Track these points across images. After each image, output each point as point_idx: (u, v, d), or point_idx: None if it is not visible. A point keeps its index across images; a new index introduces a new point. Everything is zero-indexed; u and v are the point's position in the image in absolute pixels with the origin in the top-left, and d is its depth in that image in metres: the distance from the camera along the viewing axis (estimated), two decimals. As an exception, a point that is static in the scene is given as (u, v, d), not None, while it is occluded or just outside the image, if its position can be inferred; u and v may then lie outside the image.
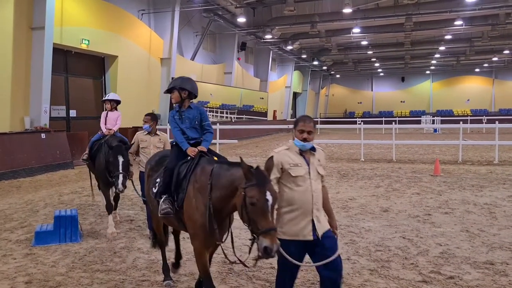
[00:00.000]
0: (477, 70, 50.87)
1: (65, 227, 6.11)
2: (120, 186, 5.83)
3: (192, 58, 25.72)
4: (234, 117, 30.97)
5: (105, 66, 19.08)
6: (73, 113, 17.59)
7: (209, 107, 27.41)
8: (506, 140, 18.11)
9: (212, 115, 27.69)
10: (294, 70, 43.81)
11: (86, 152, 7.28)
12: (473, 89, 52.38)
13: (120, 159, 5.96)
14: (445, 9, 24.71)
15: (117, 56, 18.76)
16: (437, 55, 41.82)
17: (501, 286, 4.39)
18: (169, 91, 4.46)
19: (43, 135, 13.83)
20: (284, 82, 42.69)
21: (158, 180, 4.11)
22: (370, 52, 39.93)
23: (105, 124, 7.41)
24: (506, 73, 50.57)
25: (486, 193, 9.25)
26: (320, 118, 49.17)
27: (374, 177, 11.80)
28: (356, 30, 29.32)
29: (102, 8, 17.71)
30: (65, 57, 17.05)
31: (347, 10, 23.58)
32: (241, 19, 25.43)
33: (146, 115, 6.41)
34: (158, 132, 6.39)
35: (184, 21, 23.59)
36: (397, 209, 7.86)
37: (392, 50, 38.80)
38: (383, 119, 36.23)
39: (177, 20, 21.85)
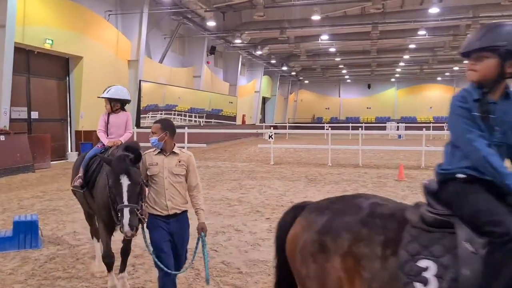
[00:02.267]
0: (439, 78, 52.67)
1: (25, 233, 5.89)
2: (126, 227, 3.54)
3: (161, 61, 25.43)
4: (202, 121, 30.79)
5: (70, 67, 18.57)
6: (35, 114, 17.00)
7: (177, 111, 27.16)
8: (466, 147, 18.78)
9: (180, 119, 27.44)
10: (263, 75, 44.05)
11: (80, 175, 4.76)
12: (435, 97, 54.18)
13: (124, 182, 3.66)
14: (410, 19, 25.49)
15: (82, 57, 18.31)
16: (401, 64, 43.02)
17: None
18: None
19: (2, 137, 13.31)
20: (253, 86, 42.85)
21: None
22: (338, 59, 40.65)
23: (106, 134, 5.19)
24: (466, 82, 52.07)
25: (447, 198, 9.53)
26: (288, 123, 49.61)
27: (341, 181, 11.98)
28: (324, 37, 29.81)
29: (67, 8, 17.26)
30: (27, 57, 16.47)
31: (316, 17, 23.94)
32: (211, 23, 25.37)
33: (155, 122, 3.97)
34: (177, 149, 3.89)
35: (152, 23, 23.31)
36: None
37: (359, 57, 39.65)
38: (350, 124, 36.91)
39: (146, 22, 21.57)
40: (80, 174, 4.81)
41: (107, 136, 5.19)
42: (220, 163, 16.94)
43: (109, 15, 20.36)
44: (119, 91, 5.33)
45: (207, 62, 31.42)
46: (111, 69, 20.15)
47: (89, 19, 18.59)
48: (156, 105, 24.14)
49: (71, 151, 18.44)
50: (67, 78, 18.62)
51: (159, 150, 3.85)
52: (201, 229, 3.78)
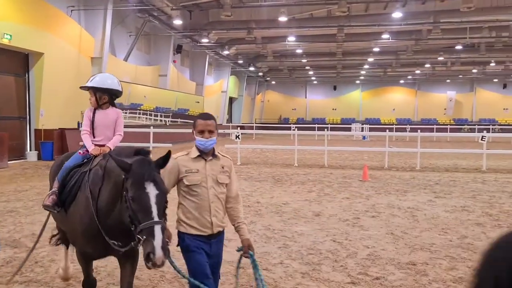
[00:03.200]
0: (402, 81, 54.14)
1: (-21, 236, 5.60)
2: (158, 253, 2.59)
3: (126, 59, 24.92)
4: (168, 121, 30.39)
5: (29, 63, 17.89)
6: (-9, 112, 16.31)
7: (143, 110, 26.69)
8: (427, 148, 19.38)
9: (146, 118, 26.98)
10: (231, 75, 43.96)
11: (54, 190, 3.70)
12: (398, 99, 55.66)
13: (152, 191, 2.78)
14: (374, 23, 26.07)
15: (43, 53, 17.68)
16: (366, 66, 43.94)
17: (421, 285, 4.66)
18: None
19: (-44, 136, 12.68)
20: (220, 86, 42.67)
21: None
22: (304, 61, 41.08)
23: (93, 135, 4.10)
24: (428, 85, 54.31)
25: (409, 197, 9.81)
26: (255, 123, 49.70)
27: (307, 182, 12.09)
28: (291, 38, 30.05)
29: (27, 2, 16.62)
30: (-17, 52, 15.78)
31: (283, 19, 24.10)
32: (177, 22, 25.08)
33: (204, 117, 3.20)
34: (218, 152, 3.22)
35: (117, 20, 22.80)
36: (328, 213, 8.09)
37: (325, 59, 40.21)
38: (316, 125, 37.37)
39: (110, 18, 21.08)
40: (54, 189, 3.69)
41: (94, 138, 4.08)
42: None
43: (71, 10, 19.76)
44: (107, 79, 4.13)
45: (174, 61, 31.05)
46: (74, 66, 19.58)
47: (50, 14, 17.98)
48: (121, 104, 23.62)
49: (30, 150, 17.78)
50: (27, 75, 17.94)
51: (198, 154, 3.11)
52: (248, 246, 3.13)
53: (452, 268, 5.18)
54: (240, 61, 40.46)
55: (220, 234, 3.17)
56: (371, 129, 38.04)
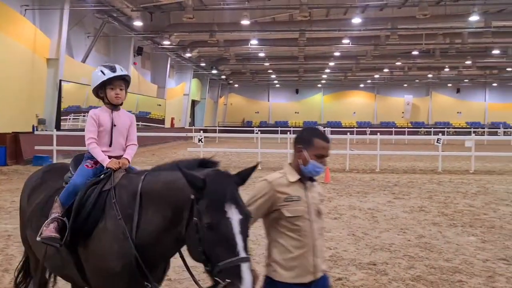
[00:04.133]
0: (362, 85, 55.50)
1: None
2: None
3: (83, 60, 24.19)
4: (129, 124, 29.70)
5: (-20, 64, 17.05)
6: None
7: (102, 113, 25.96)
8: (386, 150, 19.91)
9: (106, 122, 26.28)
10: (193, 78, 43.59)
11: (56, 215, 2.81)
12: (358, 103, 57.00)
13: (234, 216, 2.16)
14: (335, 28, 26.57)
15: (-5, 53, 16.89)
16: (327, 70, 44.73)
17: (382, 285, 4.75)
18: None
19: None
20: (182, 89, 42.22)
21: None
22: (267, 64, 41.32)
23: (102, 145, 3.12)
24: (386, 90, 55.91)
25: (369, 199, 10.02)
26: (218, 126, 49.51)
27: (270, 185, 12.10)
28: (253, 41, 30.16)
29: (-23, -1, 15.86)
30: None
31: (245, 22, 24.14)
32: (138, 23, 24.61)
33: (322, 138, 2.60)
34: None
35: (74, 21, 22.11)
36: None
37: (287, 63, 40.61)
38: (279, 129, 37.62)
39: (67, 19, 20.39)
40: (56, 214, 2.79)
41: (105, 148, 3.12)
42: (148, 167, 16.41)
43: (25, 10, 18.99)
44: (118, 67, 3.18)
45: (134, 63, 30.45)
46: (28, 67, 18.81)
47: (2, 13, 17.20)
48: (79, 107, 22.90)
49: (-20, 155, 16.88)
50: (-23, 76, 17.06)
51: (298, 177, 2.55)
52: None
53: (411, 267, 5.32)
54: (203, 64, 40.21)
55: (322, 280, 2.55)
56: (332, 132, 38.68)
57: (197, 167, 2.42)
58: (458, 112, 54.47)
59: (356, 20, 23.94)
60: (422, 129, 47.57)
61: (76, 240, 2.71)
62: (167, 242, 2.47)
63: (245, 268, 2.02)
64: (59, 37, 20.23)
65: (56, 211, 2.83)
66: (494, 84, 52.34)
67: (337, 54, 35.96)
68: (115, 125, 3.13)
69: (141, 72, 32.98)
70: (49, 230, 2.75)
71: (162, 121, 35.84)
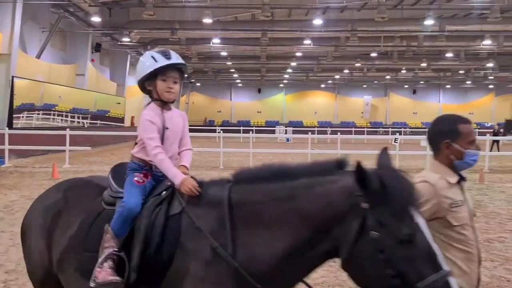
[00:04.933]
0: (323, 86, 56.41)
1: None
2: None
3: (38, 56, 23.25)
4: (87, 123, 28.86)
5: None
6: None
7: (58, 111, 25.09)
8: (346, 150, 20.26)
9: (61, 120, 25.40)
10: (154, 76, 42.84)
11: (111, 250, 2.19)
12: (320, 102, 57.93)
13: (421, 221, 1.79)
14: (296, 28, 26.84)
15: None
16: (289, 70, 45.16)
17: (341, 281, 4.82)
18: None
19: None
20: (143, 88, 41.41)
21: None
22: (229, 63, 41.24)
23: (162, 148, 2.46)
24: (346, 90, 57.10)
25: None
26: (180, 126, 48.84)
27: (232, 184, 12.04)
28: (216, 40, 30.00)
29: None
30: None
31: (207, 21, 23.95)
32: (96, 19, 23.90)
33: (464, 121, 2.30)
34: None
35: (28, 15, 21.20)
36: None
37: (250, 62, 40.69)
38: (241, 128, 37.66)
39: (20, 12, 19.52)
40: (111, 249, 2.19)
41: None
42: (107, 167, 15.96)
43: (-26, 1, 18.05)
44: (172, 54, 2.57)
45: (92, 60, 29.57)
46: (-23, 62, 17.88)
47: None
48: (33, 104, 21.99)
49: None
50: None
51: (458, 178, 2.25)
52: None
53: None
54: (164, 62, 39.55)
55: None
56: (294, 132, 39.13)
57: (337, 168, 1.98)
58: (414, 113, 56.38)
59: (317, 21, 24.28)
60: (380, 129, 48.95)
61: (141, 282, 2.13)
62: (293, 271, 1.96)
63: (453, 283, 1.71)
64: (12, 31, 19.33)
65: (109, 244, 2.19)
66: (448, 86, 54.56)
67: (298, 54, 36.35)
68: (167, 128, 2.48)
69: (99, 69, 32.09)
70: (105, 272, 2.13)
71: (121, 120, 35.04)
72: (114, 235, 2.21)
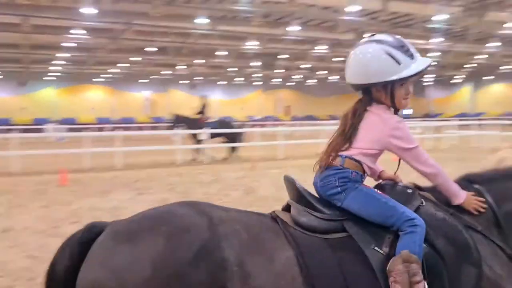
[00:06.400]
0: (99, 80, 53.49)
1: None
2: None
3: None
4: None
5: None
6: None
7: None
8: (127, 147, 19.64)
9: None
10: None
11: (420, 279, 1.87)
12: (96, 97, 54.89)
13: None
14: (65, 17, 24.52)
15: None
16: (59, 62, 41.20)
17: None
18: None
19: None
20: None
21: None
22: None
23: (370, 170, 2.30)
24: (124, 84, 55.58)
25: (112, 198, 9.68)
26: None
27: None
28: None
29: None
30: None
31: None
32: None
33: None
34: None
35: None
36: (21, 227, 7.13)
37: (9, 51, 35.35)
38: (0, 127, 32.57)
39: None
40: (419, 277, 1.86)
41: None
42: None
43: None
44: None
45: None
46: None
47: None
48: None
49: None
50: None
51: None
52: None
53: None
54: None
55: None
56: (69, 130, 35.96)
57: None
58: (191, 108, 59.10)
59: (89, 10, 22.72)
60: (163, 124, 49.50)
61: None
62: None
63: None
64: None
65: (420, 278, 1.85)
66: (224, 82, 58.96)
67: (70, 45, 33.42)
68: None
69: None
70: None
71: None
72: (418, 261, 1.87)
